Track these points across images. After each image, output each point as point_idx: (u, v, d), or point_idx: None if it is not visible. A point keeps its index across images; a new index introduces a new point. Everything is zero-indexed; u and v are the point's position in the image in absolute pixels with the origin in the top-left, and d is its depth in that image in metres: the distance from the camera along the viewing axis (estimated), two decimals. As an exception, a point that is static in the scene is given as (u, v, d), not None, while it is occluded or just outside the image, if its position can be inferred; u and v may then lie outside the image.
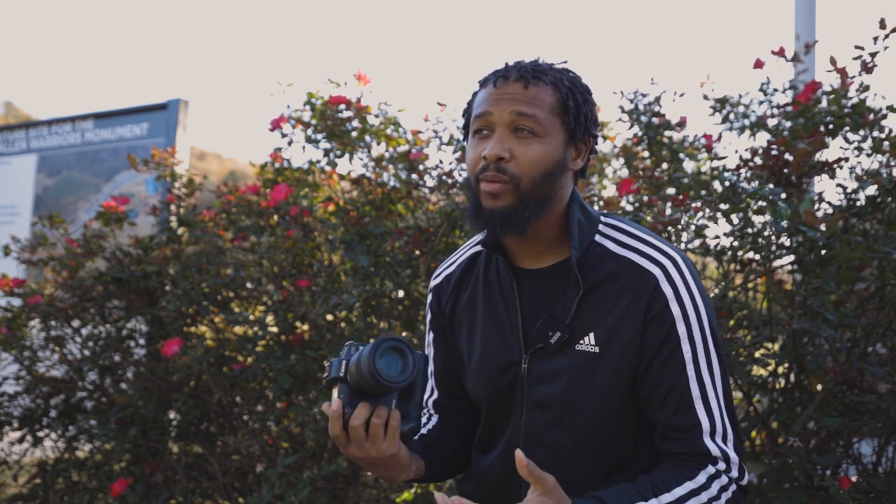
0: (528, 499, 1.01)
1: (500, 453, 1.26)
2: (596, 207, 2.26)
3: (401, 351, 1.08)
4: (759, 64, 2.93)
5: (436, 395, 1.41)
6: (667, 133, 3.14)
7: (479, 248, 1.35)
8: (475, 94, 1.26)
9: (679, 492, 1.08)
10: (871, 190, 2.15)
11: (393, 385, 1.07)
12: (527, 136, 1.16)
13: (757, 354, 2.04)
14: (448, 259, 1.43)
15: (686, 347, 1.14)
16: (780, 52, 2.80)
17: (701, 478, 1.10)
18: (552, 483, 1.03)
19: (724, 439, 1.13)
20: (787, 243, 2.03)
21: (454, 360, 1.37)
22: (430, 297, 1.42)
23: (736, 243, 2.13)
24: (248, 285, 3.04)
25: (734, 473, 1.11)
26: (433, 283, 1.42)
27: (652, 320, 1.15)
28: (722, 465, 1.11)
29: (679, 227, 2.16)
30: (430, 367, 1.41)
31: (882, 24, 2.28)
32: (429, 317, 1.43)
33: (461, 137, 3.18)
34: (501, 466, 1.25)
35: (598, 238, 1.22)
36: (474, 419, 1.36)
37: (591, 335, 1.17)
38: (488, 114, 1.18)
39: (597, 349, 1.17)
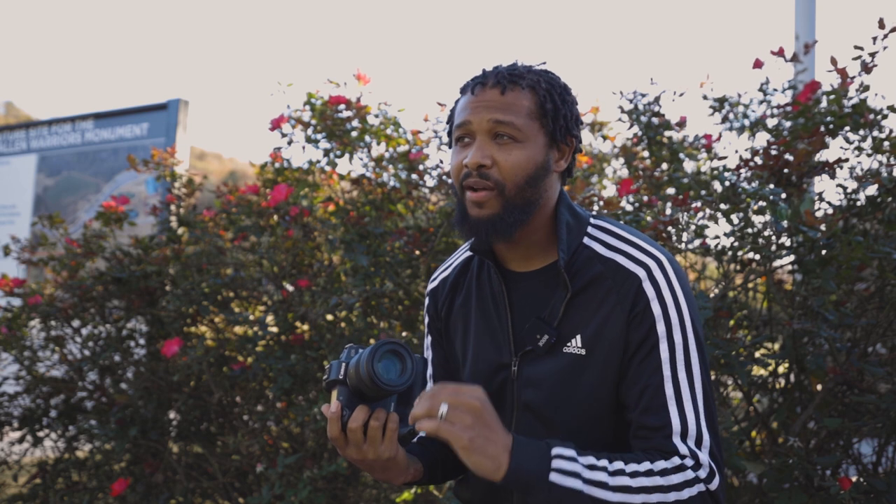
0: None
1: None
2: (596, 207, 2.26)
3: (399, 355, 1.08)
4: (758, 64, 2.93)
5: None
6: (667, 133, 3.14)
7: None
8: (457, 102, 1.27)
9: (635, 467, 1.06)
10: (871, 190, 2.15)
11: (391, 389, 1.07)
12: (507, 142, 1.17)
13: (757, 354, 2.05)
14: (444, 263, 1.44)
15: (663, 347, 1.13)
16: (780, 53, 2.80)
17: (663, 464, 1.07)
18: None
19: (698, 443, 1.10)
20: (787, 243, 2.02)
21: (452, 363, 1.38)
22: (427, 301, 1.43)
23: (736, 243, 2.13)
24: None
25: (702, 474, 1.08)
26: (430, 286, 1.43)
27: (633, 319, 1.15)
28: (690, 462, 1.08)
29: (679, 227, 2.16)
30: (429, 371, 1.42)
31: (881, 24, 2.29)
32: (426, 320, 1.43)
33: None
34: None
35: (586, 240, 1.23)
36: None
37: (578, 337, 1.17)
38: (468, 122, 1.19)
39: (583, 351, 1.17)
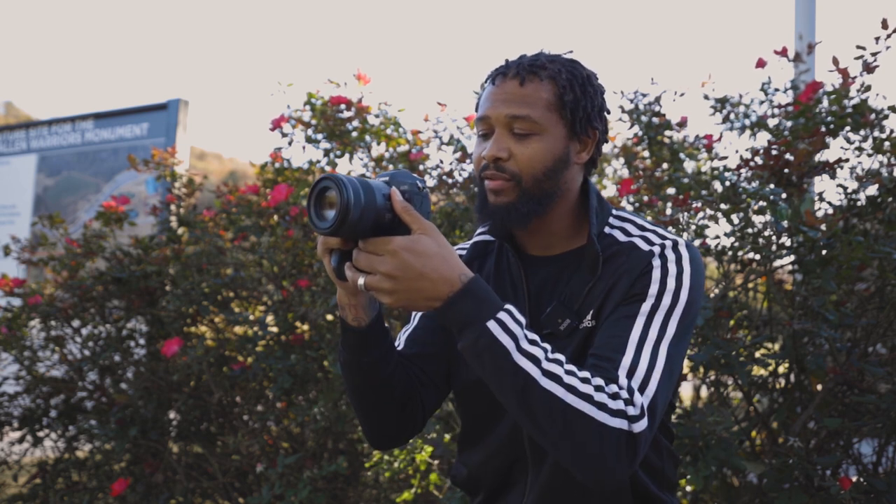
0: (407, 238, 1.01)
1: (504, 439, 1.25)
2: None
3: (326, 196, 1.00)
4: (760, 63, 2.93)
5: (400, 346, 1.34)
6: (667, 133, 3.14)
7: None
8: (483, 90, 1.28)
9: (574, 369, 1.03)
10: (872, 190, 2.15)
11: (319, 232, 1.02)
12: (525, 135, 1.18)
13: (757, 354, 2.04)
14: (463, 243, 1.44)
15: (648, 304, 1.13)
16: (783, 52, 2.80)
17: (600, 381, 1.04)
18: (430, 226, 1.03)
19: (641, 388, 1.06)
20: (788, 243, 2.02)
21: (448, 334, 1.32)
22: None
23: (736, 243, 2.12)
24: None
25: (630, 411, 1.02)
26: None
27: (634, 282, 1.16)
28: (624, 395, 1.04)
29: (679, 227, 2.16)
30: (408, 332, 1.36)
31: (884, 24, 2.29)
32: None
33: (460, 137, 3.18)
34: (507, 453, 1.25)
35: (606, 229, 1.25)
36: (418, 388, 1.30)
37: (591, 312, 1.19)
38: (487, 116, 1.21)
39: (593, 322, 1.18)
